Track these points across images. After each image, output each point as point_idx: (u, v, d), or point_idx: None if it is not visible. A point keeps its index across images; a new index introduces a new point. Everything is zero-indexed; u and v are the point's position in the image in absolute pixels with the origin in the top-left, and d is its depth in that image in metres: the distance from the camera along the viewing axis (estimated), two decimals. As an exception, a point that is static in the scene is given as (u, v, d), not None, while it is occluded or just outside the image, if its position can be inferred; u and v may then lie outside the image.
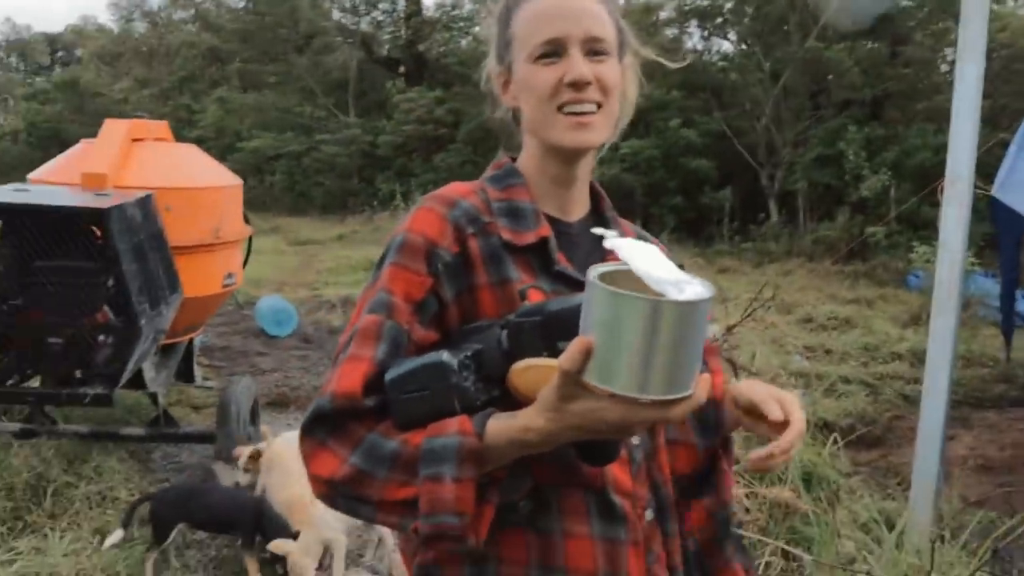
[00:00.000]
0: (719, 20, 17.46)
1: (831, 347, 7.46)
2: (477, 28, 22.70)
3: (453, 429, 0.96)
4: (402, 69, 21.56)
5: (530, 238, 1.10)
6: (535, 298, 1.06)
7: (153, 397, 4.33)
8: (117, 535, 3.39)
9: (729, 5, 16.94)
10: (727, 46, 18.28)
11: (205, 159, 4.92)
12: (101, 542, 3.44)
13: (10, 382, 4.03)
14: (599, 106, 1.12)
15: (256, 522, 3.41)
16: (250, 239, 5.16)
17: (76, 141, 4.89)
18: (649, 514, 1.13)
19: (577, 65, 1.09)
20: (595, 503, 1.08)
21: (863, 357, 7.27)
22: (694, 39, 18.16)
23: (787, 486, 2.56)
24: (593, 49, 1.11)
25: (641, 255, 0.89)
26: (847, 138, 13.91)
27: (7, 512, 3.59)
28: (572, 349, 0.86)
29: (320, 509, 3.45)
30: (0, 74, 36.58)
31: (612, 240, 0.93)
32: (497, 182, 1.16)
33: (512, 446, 0.97)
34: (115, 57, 25.79)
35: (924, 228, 12.66)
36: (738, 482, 2.55)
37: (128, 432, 4.28)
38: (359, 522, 3.50)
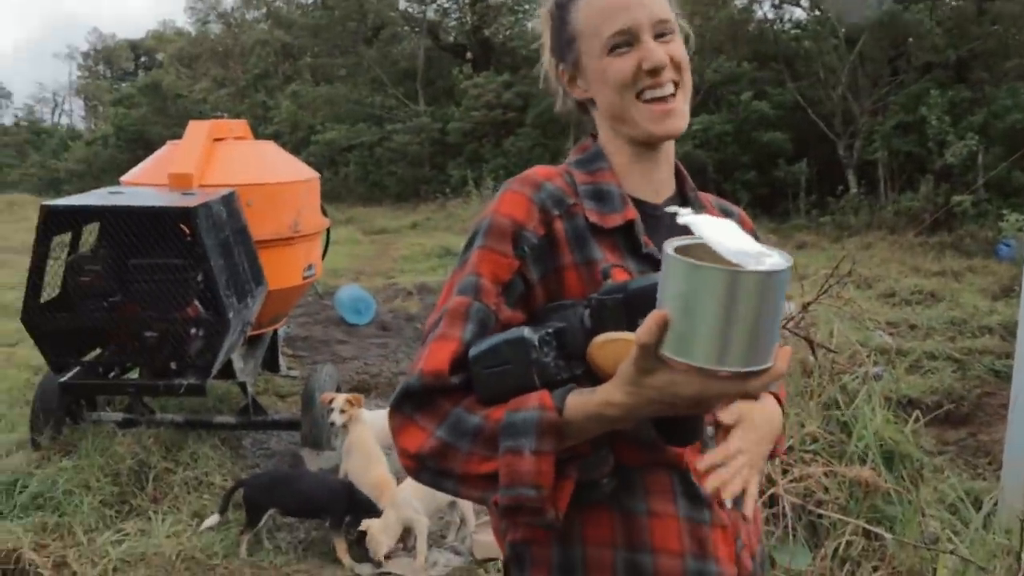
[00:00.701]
0: (791, -13, 16.90)
1: (915, 322, 7.21)
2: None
3: (533, 403, 0.98)
4: (469, 55, 21.63)
5: (617, 220, 1.12)
6: (619, 277, 1.07)
7: (242, 386, 4.53)
8: (214, 519, 3.58)
9: (801, -29, 16.39)
10: (799, 13, 17.70)
11: (283, 155, 5.09)
12: (199, 524, 3.65)
13: (112, 374, 4.29)
14: (676, 85, 1.14)
15: (347, 505, 3.56)
16: (328, 231, 5.33)
17: (160, 142, 5.13)
18: (728, 502, 1.12)
19: (653, 51, 1.11)
20: (680, 484, 1.09)
21: (950, 332, 7.01)
22: (765, 7, 17.63)
23: (867, 465, 2.53)
24: (661, 31, 1.13)
25: (717, 229, 0.89)
26: (929, 103, 13.31)
27: (114, 496, 3.83)
28: (648, 322, 0.87)
29: (404, 491, 3.58)
30: (89, 81, 38.31)
31: (687, 217, 0.92)
32: (583, 165, 1.18)
33: (592, 421, 0.98)
34: (193, 59, 26.69)
35: (1016, 195, 12.06)
36: (816, 460, 2.53)
37: (220, 420, 4.50)
38: (442, 504, 3.61)
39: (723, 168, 15.34)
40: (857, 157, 14.68)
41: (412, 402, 1.04)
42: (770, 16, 17.55)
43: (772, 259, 0.84)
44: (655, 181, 1.19)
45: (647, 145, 1.17)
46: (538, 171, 1.15)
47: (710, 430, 1.14)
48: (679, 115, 1.14)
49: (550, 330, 1.02)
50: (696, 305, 0.83)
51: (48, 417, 4.16)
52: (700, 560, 1.08)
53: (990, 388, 5.55)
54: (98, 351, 4.17)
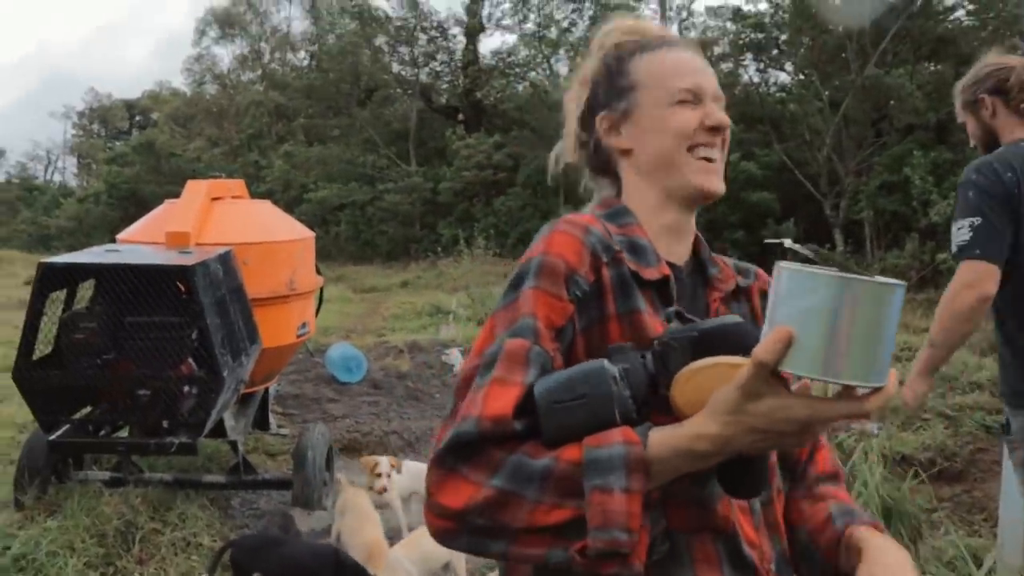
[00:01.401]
0: (775, 52, 17.40)
1: (903, 377, 7.23)
2: (532, 74, 23.09)
3: (618, 439, 0.91)
4: (460, 116, 22.06)
5: (654, 274, 1.09)
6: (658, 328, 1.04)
7: (233, 445, 4.48)
8: None
9: (784, 37, 16.89)
10: (784, 77, 18.19)
11: (279, 214, 5.14)
12: (188, 586, 3.57)
13: (101, 433, 4.24)
14: (722, 150, 1.16)
15: (334, 570, 3.49)
16: (321, 289, 5.35)
17: (153, 200, 5.19)
18: (773, 568, 1.08)
19: (716, 111, 1.14)
20: (726, 551, 1.03)
21: (940, 387, 7.02)
22: (750, 71, 18.13)
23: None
24: (718, 103, 1.16)
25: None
26: (912, 163, 13.62)
27: (99, 558, 3.74)
28: (771, 339, 0.83)
29: (396, 552, 3.52)
30: (84, 140, 38.70)
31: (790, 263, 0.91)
32: (612, 219, 1.14)
33: (679, 458, 0.92)
34: (188, 119, 27.07)
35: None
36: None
37: (210, 479, 4.43)
38: (435, 567, 3.55)
39: (713, 227, 15.54)
40: (843, 216, 14.93)
41: (457, 453, 0.93)
42: (755, 80, 18.03)
43: (882, 280, 0.84)
44: (681, 246, 1.17)
45: (684, 206, 1.16)
46: (579, 216, 1.11)
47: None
48: (720, 177, 1.15)
49: (623, 367, 0.95)
50: (824, 319, 0.81)
51: (34, 476, 4.09)
52: None
53: (982, 444, 5.55)
54: (88, 409, 4.13)
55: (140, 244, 4.54)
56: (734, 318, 1.00)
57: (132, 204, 21.10)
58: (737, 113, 16.59)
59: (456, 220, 18.75)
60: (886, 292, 0.82)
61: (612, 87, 1.19)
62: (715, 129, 1.13)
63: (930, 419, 5.92)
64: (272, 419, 5.66)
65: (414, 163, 20.79)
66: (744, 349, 0.90)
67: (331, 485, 4.66)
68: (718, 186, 1.14)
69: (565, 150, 1.27)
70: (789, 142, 15.86)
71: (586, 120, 1.22)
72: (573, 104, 1.25)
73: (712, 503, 1.02)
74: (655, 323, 1.04)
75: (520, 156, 18.71)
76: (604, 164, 1.22)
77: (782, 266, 0.86)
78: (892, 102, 15.19)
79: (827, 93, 15.26)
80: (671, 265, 1.13)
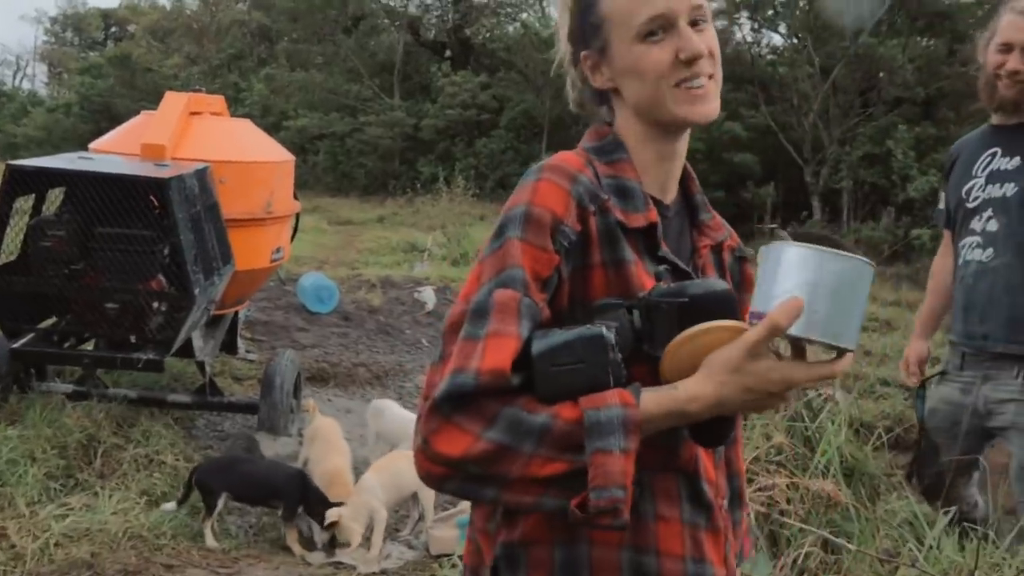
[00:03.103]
0: (770, 12, 17.20)
1: (871, 349, 7.36)
2: (525, 15, 22.65)
3: (615, 400, 0.95)
4: (448, 53, 21.63)
5: (640, 221, 1.08)
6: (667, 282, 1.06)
7: (200, 366, 4.44)
8: (170, 506, 3.50)
9: (781, -2, 16.70)
10: (777, 39, 18.03)
11: (259, 134, 5.02)
12: (149, 503, 3.56)
13: (67, 344, 4.17)
14: (710, 76, 1.10)
15: (301, 493, 3.50)
16: (298, 215, 5.26)
17: (127, 115, 5.02)
18: (725, 503, 1.15)
19: (690, 41, 1.07)
20: (686, 488, 1.09)
21: (902, 359, 7.17)
22: (744, 30, 17.93)
23: (829, 479, 2.57)
24: (695, 18, 1.08)
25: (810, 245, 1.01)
26: (896, 137, 13.65)
27: (60, 469, 3.71)
28: (787, 306, 0.94)
29: (369, 479, 3.54)
30: (56, 47, 37.39)
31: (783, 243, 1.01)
32: (602, 154, 1.12)
33: (669, 418, 0.98)
34: (167, 33, 26.23)
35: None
36: (780, 472, 2.56)
37: (175, 399, 4.40)
38: (405, 497, 3.58)
39: (692, 185, 15.52)
40: (823, 184, 14.99)
41: (454, 403, 0.96)
42: (748, 39, 17.84)
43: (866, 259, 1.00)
44: (671, 177, 1.16)
45: (671, 133, 1.13)
46: (567, 159, 1.09)
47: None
48: (711, 99, 1.09)
49: (615, 329, 0.99)
50: (824, 292, 0.95)
51: (-6, 383, 4.03)
52: (698, 563, 1.09)
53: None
54: (54, 319, 4.05)
55: (114, 154, 4.41)
56: (722, 284, 1.04)
57: (104, 118, 20.50)
58: (727, 72, 16.30)
59: (436, 158, 18.51)
60: (869, 269, 0.97)
61: (583, 23, 1.14)
62: (689, 60, 1.07)
63: (891, 390, 6.05)
64: (241, 344, 5.61)
65: (397, 97, 20.40)
66: (731, 316, 0.99)
67: (297, 412, 4.65)
68: (707, 112, 1.10)
69: (571, 88, 1.22)
70: (776, 105, 15.79)
71: (576, 59, 1.18)
72: (563, 40, 1.19)
73: (679, 446, 1.08)
74: (640, 273, 1.06)
75: (506, 98, 18.45)
76: (601, 97, 1.18)
77: (788, 245, 0.98)
78: (882, 74, 15.15)
79: (818, 59, 15.15)
80: (659, 204, 1.13)
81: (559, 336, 0.98)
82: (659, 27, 1.07)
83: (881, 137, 14.16)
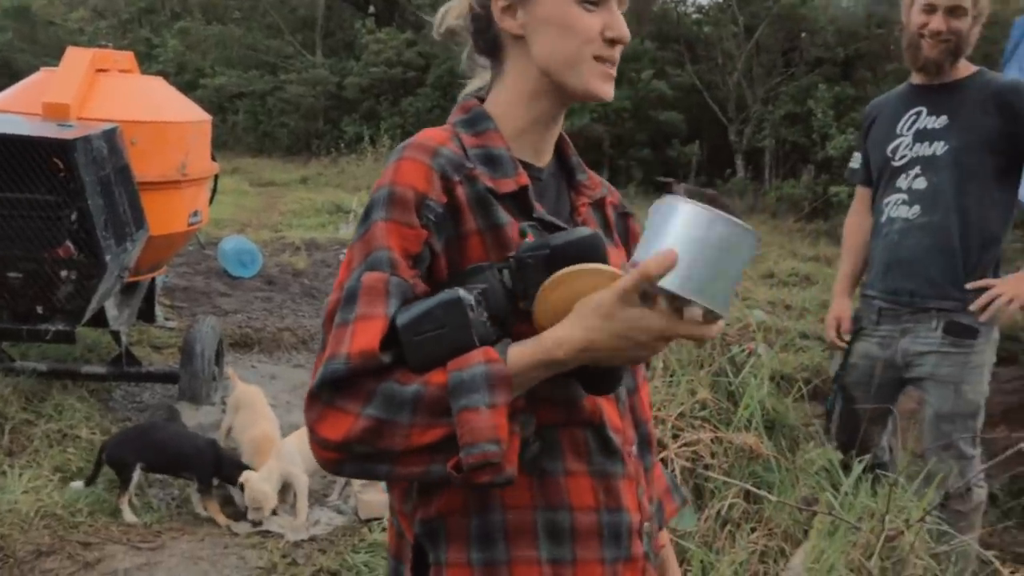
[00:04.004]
0: (695, -29, 17.24)
1: (791, 303, 7.59)
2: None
3: (478, 359, 0.97)
4: (372, 9, 21.03)
5: (510, 186, 1.10)
6: (532, 238, 1.07)
7: (115, 336, 4.27)
8: (78, 484, 3.38)
9: (705, -44, 16.75)
10: (702, -1, 18.10)
11: (172, 92, 4.78)
12: (63, 480, 3.42)
13: (-33, 316, 3.94)
14: (614, 64, 1.15)
15: (214, 463, 3.42)
16: (216, 177, 5.06)
17: (28, 72, 4.71)
18: (634, 450, 1.17)
19: (620, 24, 1.12)
20: (595, 440, 1.11)
21: (821, 313, 7.40)
22: (669, -11, 17.91)
23: (751, 432, 2.65)
24: (622, 2, 1.14)
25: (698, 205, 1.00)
26: (817, 96, 13.94)
27: (-35, 448, 3.54)
28: (661, 257, 0.92)
29: (289, 444, 3.48)
30: (-54, -3, 34.86)
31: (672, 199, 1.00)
32: (468, 126, 1.14)
33: (538, 368, 0.99)
34: (70, -16, 24.69)
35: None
36: (704, 427, 2.62)
37: (89, 370, 4.23)
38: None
39: (619, 143, 15.60)
40: (747, 143, 15.25)
41: (331, 388, 0.98)
42: (674, -2, 17.87)
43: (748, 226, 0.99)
44: (546, 142, 1.18)
45: (560, 99, 1.15)
46: (429, 135, 1.11)
47: (625, 386, 1.17)
48: (613, 83, 1.15)
49: (479, 290, 1.00)
50: (705, 252, 0.93)
51: None
52: (613, 512, 1.11)
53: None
54: (-48, 290, 3.81)
55: (12, 113, 4.14)
56: (585, 230, 1.04)
57: (3, 75, 19.24)
58: (654, 30, 16.47)
59: (361, 117, 18.05)
60: (753, 239, 0.96)
61: None
62: (614, 41, 1.12)
63: (809, 343, 6.26)
64: (159, 311, 5.41)
65: (320, 54, 19.78)
66: (597, 261, 0.99)
67: (220, 380, 4.53)
68: (610, 93, 1.15)
69: (450, 11, 1.20)
70: (701, 64, 15.91)
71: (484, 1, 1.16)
72: None
73: (578, 400, 1.08)
74: (518, 235, 1.07)
75: (432, 56, 18.07)
76: (491, 45, 1.17)
77: (679, 201, 0.96)
78: (803, 34, 15.39)
79: (743, 18, 15.30)
80: (531, 168, 1.14)
81: (420, 306, 0.99)
82: None
83: (802, 96, 14.44)
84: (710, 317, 0.96)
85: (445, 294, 0.99)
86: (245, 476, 3.31)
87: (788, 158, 14.93)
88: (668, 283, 0.93)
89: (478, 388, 0.95)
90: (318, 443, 0.99)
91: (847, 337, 2.83)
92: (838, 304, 2.90)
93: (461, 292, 0.98)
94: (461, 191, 1.06)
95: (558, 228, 1.10)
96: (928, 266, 2.55)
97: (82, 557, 2.81)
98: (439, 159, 1.07)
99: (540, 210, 1.11)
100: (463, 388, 0.95)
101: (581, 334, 0.97)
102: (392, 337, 0.98)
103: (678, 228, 0.94)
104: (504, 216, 1.08)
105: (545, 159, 1.18)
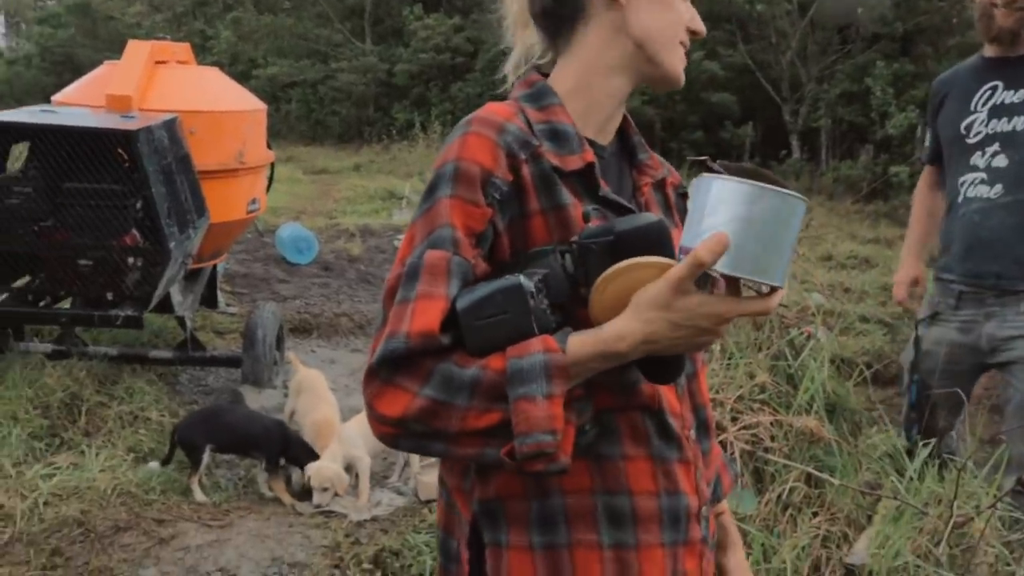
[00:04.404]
0: (747, -52, 16.86)
1: (850, 286, 7.43)
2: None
3: (538, 347, 0.96)
4: (419, -5, 21.06)
5: (576, 163, 1.08)
6: (597, 222, 1.06)
7: (180, 321, 4.40)
8: (155, 465, 3.50)
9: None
10: (754, -25, 17.69)
11: (228, 82, 4.88)
12: (136, 460, 3.55)
13: (42, 303, 4.11)
14: None
15: (281, 443, 3.50)
16: (272, 165, 5.16)
17: (89, 66, 4.86)
18: (692, 434, 1.17)
19: (699, 18, 1.17)
20: (653, 424, 1.10)
21: (881, 296, 7.24)
22: (720, -33, 17.56)
23: (812, 415, 2.61)
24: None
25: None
26: (874, 74, 13.53)
27: (44, 429, 3.69)
28: (711, 241, 0.91)
29: (350, 428, 3.54)
30: (11, -4, 35.97)
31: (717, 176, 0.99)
32: (533, 100, 1.12)
33: (598, 359, 0.98)
34: (127, -21, 25.27)
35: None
36: (763, 410, 2.59)
37: (157, 355, 4.36)
38: (380, 446, 3.59)
39: (670, 126, 15.41)
40: (802, 123, 14.91)
41: (390, 366, 0.98)
42: (725, -24, 17.51)
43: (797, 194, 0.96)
44: (612, 120, 1.17)
45: (640, 81, 1.17)
46: (495, 110, 1.08)
47: (688, 368, 1.17)
48: None
49: (539, 277, 0.99)
50: (754, 227, 0.91)
51: (-29, 345, 3.97)
52: (672, 496, 1.11)
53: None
54: (27, 278, 3.97)
55: (78, 106, 4.28)
56: (651, 216, 1.02)
57: (67, 69, 19.85)
58: (705, 10, 16.09)
59: (411, 104, 18.17)
60: (801, 205, 0.94)
61: None
62: (694, 32, 1.16)
63: (870, 327, 6.13)
64: (221, 297, 5.56)
65: (369, 41, 19.93)
66: (662, 248, 0.97)
67: (281, 364, 4.64)
68: (682, 80, 1.18)
69: None
70: (754, 44, 15.57)
71: None
72: None
73: (637, 385, 1.08)
74: (580, 216, 1.06)
75: (480, 41, 18.06)
76: (573, 11, 1.13)
77: (718, 178, 0.95)
78: (860, 9, 14.96)
79: (797, -5, 14.94)
80: (595, 145, 1.13)
81: (481, 290, 0.98)
82: None
83: (859, 74, 14.04)
84: (768, 290, 0.95)
85: (506, 280, 0.98)
86: (311, 468, 3.36)
87: (845, 138, 14.55)
88: (723, 266, 0.91)
89: (536, 377, 0.94)
90: (376, 418, 1.00)
91: (913, 303, 2.71)
92: (910, 265, 2.77)
93: (522, 279, 0.97)
94: (527, 170, 1.05)
95: (622, 207, 1.09)
96: (1015, 246, 2.43)
97: (157, 533, 2.92)
98: (506, 135, 1.05)
99: (605, 188, 1.09)
100: (521, 376, 0.95)
101: (641, 326, 0.96)
102: (452, 318, 0.98)
103: (723, 207, 0.93)
104: (567, 196, 1.06)
105: (608, 138, 1.17)
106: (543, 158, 1.06)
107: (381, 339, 1.00)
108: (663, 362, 1.03)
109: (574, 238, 1.01)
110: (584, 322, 1.00)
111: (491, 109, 1.08)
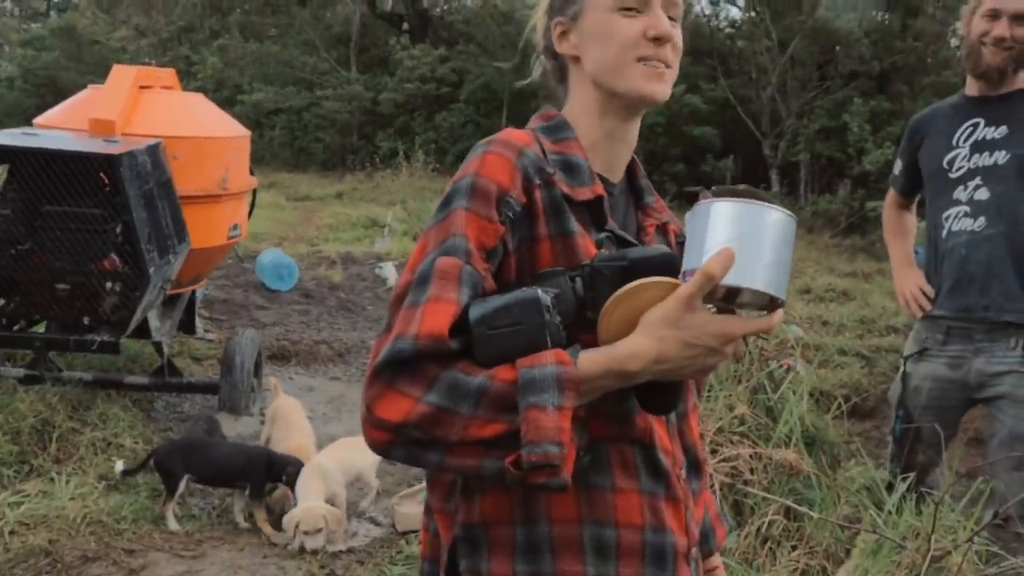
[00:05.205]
0: (728, -14, 17.20)
1: (828, 319, 7.49)
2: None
3: (550, 359, 0.96)
4: (405, 26, 21.26)
5: (587, 194, 1.10)
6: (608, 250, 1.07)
7: (158, 347, 4.35)
8: (120, 465, 3.45)
9: (739, -29, 16.69)
10: (735, 12, 18.06)
11: (212, 108, 4.89)
12: (108, 488, 3.49)
13: (16, 327, 4.05)
14: (667, 66, 1.14)
15: (266, 471, 3.45)
16: (254, 191, 5.15)
17: (73, 89, 4.85)
18: (683, 473, 1.16)
19: (661, 21, 1.11)
20: (643, 459, 1.10)
21: (859, 329, 7.31)
22: (702, 3, 17.91)
23: (792, 448, 2.61)
24: (670, 15, 1.14)
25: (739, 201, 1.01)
26: (852, 111, 13.80)
27: (13, 456, 3.62)
28: (720, 256, 0.93)
29: (326, 464, 3.50)
30: (-5, 18, 35.91)
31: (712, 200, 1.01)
32: (549, 133, 1.15)
33: (608, 377, 0.99)
34: (113, 4, 25.33)
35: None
36: (743, 442, 2.59)
37: (132, 380, 4.30)
38: (353, 475, 3.56)
39: (652, 159, 15.56)
40: (781, 157, 15.14)
41: (394, 368, 0.97)
42: (707, 12, 17.85)
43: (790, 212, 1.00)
44: (619, 158, 1.19)
45: (626, 113, 1.16)
46: (514, 135, 1.11)
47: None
48: (667, 82, 1.15)
49: (552, 294, 0.99)
50: (757, 243, 0.94)
51: (-59, 368, 3.89)
52: (658, 532, 1.10)
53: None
54: (2, 301, 3.92)
55: (61, 130, 4.26)
56: (663, 248, 1.05)
57: (50, 92, 19.79)
58: (686, 46, 16.23)
59: (396, 133, 18.25)
60: (793, 222, 0.98)
61: None
62: (658, 39, 1.11)
63: (848, 359, 6.17)
64: (199, 323, 5.50)
65: (355, 70, 20.05)
66: (671, 276, 0.99)
67: (259, 391, 4.59)
68: (661, 91, 1.14)
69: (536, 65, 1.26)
70: (735, 79, 15.85)
71: (548, 29, 1.21)
72: (541, 12, 1.22)
73: (632, 416, 1.08)
74: (587, 244, 1.07)
75: (465, 71, 18.24)
76: (561, 73, 1.21)
77: (716, 201, 0.97)
78: (838, 47, 15.26)
79: (776, 32, 15.21)
80: (605, 181, 1.15)
81: (496, 300, 0.98)
82: (635, 7, 1.12)
83: (837, 110, 14.31)
84: (772, 305, 0.97)
85: (523, 292, 0.98)
86: (295, 514, 3.25)
87: (824, 173, 14.79)
88: (731, 279, 0.93)
89: (548, 388, 0.94)
90: (372, 423, 0.97)
91: (919, 312, 2.64)
92: (908, 275, 2.69)
93: (539, 292, 0.98)
94: (539, 195, 1.07)
95: (628, 243, 1.11)
96: (1003, 277, 2.43)
97: (127, 564, 2.86)
98: (523, 159, 1.07)
99: (612, 222, 1.12)
100: (533, 386, 0.94)
101: (652, 344, 0.97)
102: (460, 326, 0.97)
103: (725, 226, 0.95)
104: (575, 225, 1.08)
105: (617, 176, 1.19)
106: (555, 186, 1.08)
107: (386, 341, 0.99)
108: (661, 390, 1.03)
109: (586, 261, 1.03)
110: (587, 346, 1.01)
111: (511, 133, 1.11)
